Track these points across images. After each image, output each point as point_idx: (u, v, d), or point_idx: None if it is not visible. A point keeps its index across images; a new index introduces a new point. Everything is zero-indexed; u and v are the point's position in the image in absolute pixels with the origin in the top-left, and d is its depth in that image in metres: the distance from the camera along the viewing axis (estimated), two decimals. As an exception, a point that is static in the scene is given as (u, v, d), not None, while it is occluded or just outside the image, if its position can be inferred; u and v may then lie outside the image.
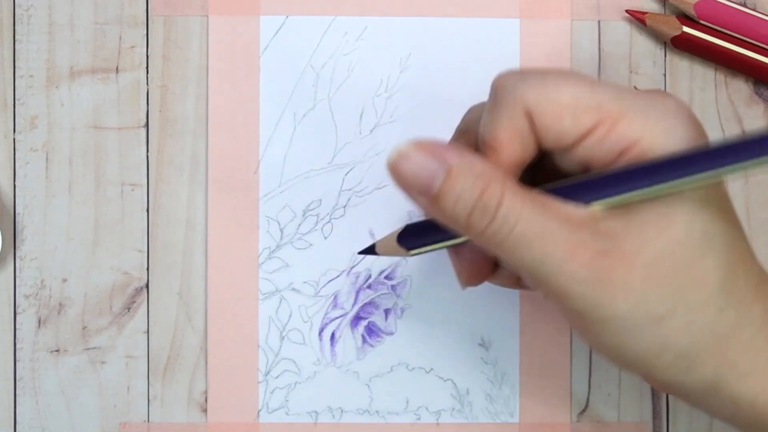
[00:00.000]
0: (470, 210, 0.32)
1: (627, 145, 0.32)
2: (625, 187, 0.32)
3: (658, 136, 0.32)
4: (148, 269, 0.44)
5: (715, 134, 0.44)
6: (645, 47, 0.45)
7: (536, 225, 0.32)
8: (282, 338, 0.44)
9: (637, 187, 0.32)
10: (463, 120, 0.38)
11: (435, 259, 0.44)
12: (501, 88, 0.34)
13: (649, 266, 0.31)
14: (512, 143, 0.34)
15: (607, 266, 0.31)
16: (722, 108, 0.45)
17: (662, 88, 0.44)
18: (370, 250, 0.39)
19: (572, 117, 0.32)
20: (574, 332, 0.44)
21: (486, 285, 0.44)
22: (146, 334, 0.44)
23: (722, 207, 0.33)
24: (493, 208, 0.32)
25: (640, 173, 0.32)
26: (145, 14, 0.45)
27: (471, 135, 0.36)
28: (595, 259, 0.31)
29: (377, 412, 0.44)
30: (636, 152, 0.32)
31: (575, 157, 0.33)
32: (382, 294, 0.44)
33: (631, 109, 0.32)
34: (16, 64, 0.44)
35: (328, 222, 0.44)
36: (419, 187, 0.33)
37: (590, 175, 0.33)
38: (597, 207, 0.32)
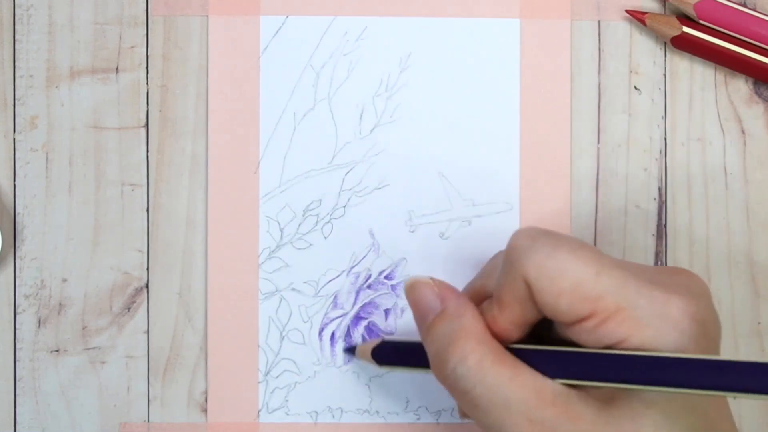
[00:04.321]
0: (436, 354, 0.35)
1: (614, 342, 0.32)
2: (597, 375, 0.32)
3: (646, 340, 0.32)
4: (148, 269, 0.44)
5: (716, 134, 0.44)
6: (645, 47, 0.45)
7: (497, 394, 0.33)
8: (282, 338, 0.44)
9: (607, 380, 0.32)
10: (487, 262, 0.40)
11: (435, 259, 0.44)
12: (511, 251, 0.34)
13: None
14: (512, 307, 0.34)
15: None
16: (722, 108, 0.45)
17: (662, 89, 0.45)
18: (352, 351, 0.43)
19: (568, 303, 0.33)
20: None
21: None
22: (146, 334, 0.44)
23: (695, 422, 0.33)
24: (454, 362, 0.34)
25: (614, 363, 0.32)
26: (145, 14, 0.45)
27: (491, 280, 0.38)
28: None
29: (377, 412, 0.44)
30: (621, 348, 0.32)
31: (566, 332, 0.34)
32: (382, 294, 0.44)
33: (629, 305, 0.32)
34: (16, 64, 0.44)
35: (328, 222, 0.44)
36: (418, 314, 0.37)
37: (571, 350, 0.33)
38: (559, 382, 0.33)
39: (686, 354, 0.31)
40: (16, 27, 0.45)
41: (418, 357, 0.38)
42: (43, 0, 0.44)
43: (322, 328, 0.44)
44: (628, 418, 0.32)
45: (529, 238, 0.34)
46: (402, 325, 0.44)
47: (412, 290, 0.37)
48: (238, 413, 0.44)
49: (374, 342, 0.41)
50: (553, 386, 0.33)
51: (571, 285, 0.32)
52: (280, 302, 0.44)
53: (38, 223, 0.44)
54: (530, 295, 0.34)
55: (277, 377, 0.44)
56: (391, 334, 0.44)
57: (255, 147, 0.44)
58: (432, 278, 0.37)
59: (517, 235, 0.34)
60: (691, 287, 0.33)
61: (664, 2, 0.45)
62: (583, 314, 0.33)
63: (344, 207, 0.44)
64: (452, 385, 0.34)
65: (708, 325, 0.33)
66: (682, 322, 0.32)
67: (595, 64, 0.45)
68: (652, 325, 0.32)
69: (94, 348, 0.44)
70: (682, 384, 0.31)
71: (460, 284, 0.44)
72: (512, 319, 0.35)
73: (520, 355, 0.34)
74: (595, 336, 0.33)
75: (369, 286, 0.44)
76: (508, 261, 0.34)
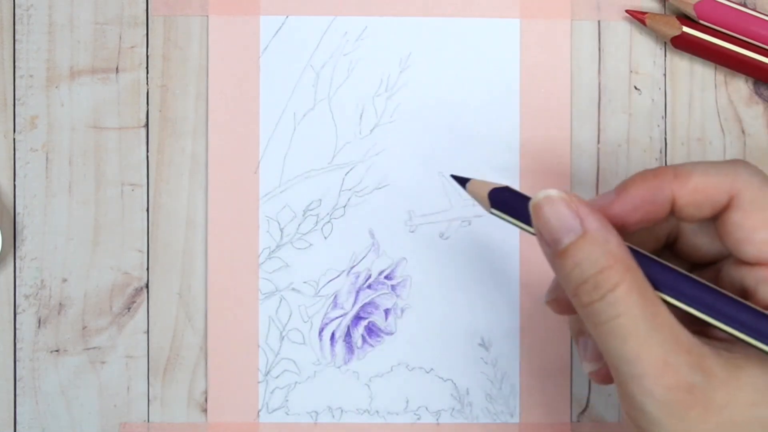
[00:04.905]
0: (583, 281, 0.32)
1: (746, 237, 0.32)
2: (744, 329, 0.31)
3: None
4: (148, 269, 0.44)
5: (716, 134, 0.44)
6: (645, 47, 0.45)
7: (640, 327, 0.31)
8: (282, 338, 0.44)
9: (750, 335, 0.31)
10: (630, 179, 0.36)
11: (435, 259, 0.44)
12: (735, 161, 0.33)
13: (725, 426, 0.31)
14: (697, 191, 0.33)
15: (687, 402, 0.31)
16: (722, 108, 0.45)
17: (662, 89, 0.45)
18: (462, 181, 0.37)
19: (765, 239, 0.32)
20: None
21: (486, 285, 0.44)
22: (146, 334, 0.44)
23: None
24: (605, 290, 0.31)
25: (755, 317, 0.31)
26: (145, 14, 0.45)
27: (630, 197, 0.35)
28: (680, 388, 0.31)
29: (377, 412, 0.44)
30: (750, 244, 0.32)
31: (734, 272, 0.33)
32: (382, 294, 0.44)
33: None
34: (16, 64, 0.44)
35: (328, 222, 0.44)
36: (551, 235, 0.33)
37: (724, 294, 0.32)
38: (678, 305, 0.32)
39: None
40: (16, 27, 0.45)
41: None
42: (43, 0, 0.44)
43: (322, 328, 0.44)
44: (763, 383, 0.31)
45: (755, 169, 0.33)
46: (402, 325, 0.44)
47: (544, 206, 0.33)
48: (238, 413, 0.44)
49: (494, 184, 0.36)
50: (689, 336, 0.31)
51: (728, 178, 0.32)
52: (280, 302, 0.44)
53: (38, 223, 0.44)
54: (719, 204, 0.33)
55: (277, 377, 0.44)
56: (391, 334, 0.44)
57: (255, 147, 0.44)
58: (565, 192, 0.33)
59: (739, 161, 0.34)
60: None
61: (664, 2, 0.45)
62: (724, 203, 0.32)
63: (344, 207, 0.44)
64: (596, 311, 0.32)
65: None
66: None
67: (595, 64, 0.45)
68: None
69: (94, 348, 0.44)
70: None
71: (459, 284, 0.44)
72: (682, 199, 0.33)
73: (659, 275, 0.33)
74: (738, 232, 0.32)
75: (369, 286, 0.44)
76: (729, 164, 0.33)
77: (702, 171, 0.33)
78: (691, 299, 0.32)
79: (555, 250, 0.33)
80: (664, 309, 0.31)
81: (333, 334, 0.44)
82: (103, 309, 0.44)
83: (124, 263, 0.44)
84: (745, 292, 0.33)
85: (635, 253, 0.32)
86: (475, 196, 0.36)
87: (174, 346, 0.44)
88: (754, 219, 0.32)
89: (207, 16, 0.44)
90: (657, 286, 0.32)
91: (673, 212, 0.33)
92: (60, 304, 0.44)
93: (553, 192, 0.33)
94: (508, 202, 0.35)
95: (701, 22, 0.43)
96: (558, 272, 0.33)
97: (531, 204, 0.33)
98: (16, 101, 0.44)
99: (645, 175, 0.33)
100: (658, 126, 0.44)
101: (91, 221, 0.44)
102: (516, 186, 0.44)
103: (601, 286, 0.31)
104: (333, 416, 0.44)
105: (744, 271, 0.33)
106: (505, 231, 0.44)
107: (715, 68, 0.45)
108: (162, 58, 0.45)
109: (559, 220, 0.32)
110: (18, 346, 0.44)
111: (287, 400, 0.44)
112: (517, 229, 0.44)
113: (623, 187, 0.34)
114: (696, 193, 0.33)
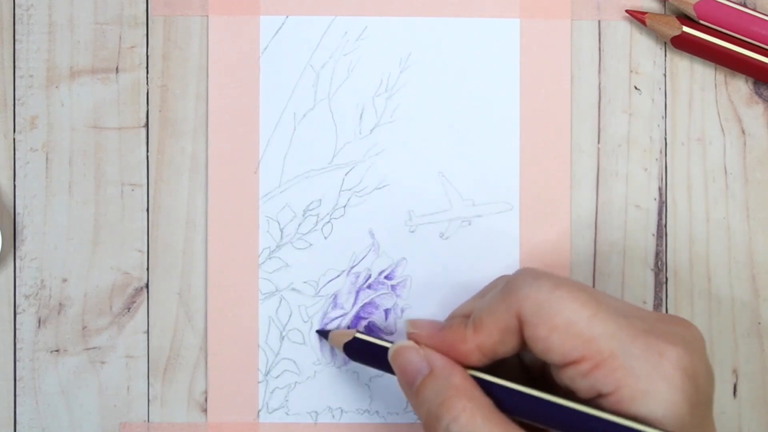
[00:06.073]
0: (429, 414, 0.34)
1: (605, 392, 0.32)
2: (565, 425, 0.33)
3: (637, 394, 0.32)
4: (148, 269, 0.44)
5: (716, 134, 0.44)
6: (645, 47, 0.45)
7: None
8: (282, 338, 0.44)
9: None
10: (487, 285, 0.40)
11: (435, 259, 0.44)
12: (512, 282, 0.35)
13: None
14: (491, 333, 0.35)
15: None
16: (722, 108, 0.45)
17: (662, 89, 0.45)
18: (325, 334, 0.43)
19: (560, 340, 0.33)
20: None
21: (485, 284, 0.44)
22: (146, 334, 0.44)
23: None
24: (447, 420, 0.34)
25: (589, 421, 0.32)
26: (145, 14, 0.45)
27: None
28: None
29: (377, 412, 0.44)
30: (612, 401, 0.32)
31: (558, 376, 0.34)
32: (382, 294, 0.44)
33: (622, 352, 0.32)
34: (16, 64, 0.44)
35: (328, 222, 0.44)
36: (406, 379, 0.36)
37: (571, 404, 0.33)
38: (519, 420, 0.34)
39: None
40: (16, 27, 0.45)
41: (385, 360, 0.38)
42: (43, 0, 0.44)
43: (322, 328, 0.44)
44: None
45: (532, 275, 0.34)
46: (402, 325, 0.44)
47: (398, 356, 0.37)
48: (238, 413, 0.44)
49: (347, 335, 0.41)
50: None
51: (564, 323, 0.33)
52: (280, 302, 0.44)
53: (38, 223, 0.44)
54: (517, 328, 0.34)
55: (277, 377, 0.44)
56: (392, 333, 0.44)
57: (255, 147, 0.44)
58: (415, 341, 0.37)
59: (521, 271, 0.35)
60: (686, 338, 0.33)
61: (664, 2, 0.45)
62: (574, 356, 0.33)
63: (344, 207, 0.44)
64: None
65: (700, 378, 0.33)
66: (675, 375, 0.32)
67: (595, 64, 0.45)
68: (644, 377, 0.32)
69: (94, 348, 0.44)
70: None
71: (459, 284, 0.44)
72: (484, 344, 0.35)
73: (492, 388, 0.35)
74: (588, 382, 0.33)
75: (369, 286, 0.44)
76: (506, 290, 0.35)
77: (488, 311, 0.35)
78: (535, 415, 0.34)
79: (411, 393, 0.36)
80: (514, 428, 0.33)
81: (333, 334, 0.44)
82: (103, 309, 0.44)
83: (124, 263, 0.44)
84: (571, 392, 0.34)
85: (485, 382, 0.35)
86: (336, 347, 0.42)
87: (174, 346, 0.44)
88: (541, 328, 0.33)
89: (207, 16, 0.44)
90: (507, 408, 0.34)
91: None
92: (60, 304, 0.44)
93: (404, 343, 0.37)
94: (359, 351, 0.40)
95: (701, 22, 0.43)
96: (416, 412, 0.36)
97: (389, 355, 0.37)
98: (16, 101, 0.44)
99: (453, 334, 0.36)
100: (658, 126, 0.44)
101: (91, 221, 0.44)
102: (516, 187, 0.44)
103: (444, 417, 0.34)
104: (333, 416, 0.44)
105: (560, 374, 0.34)
106: (505, 231, 0.44)
107: (715, 68, 0.45)
108: (162, 58, 0.45)
109: (411, 365, 0.36)
110: (18, 346, 0.44)
111: (287, 400, 0.44)
112: (517, 229, 0.44)
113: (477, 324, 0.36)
114: (493, 334, 0.35)
